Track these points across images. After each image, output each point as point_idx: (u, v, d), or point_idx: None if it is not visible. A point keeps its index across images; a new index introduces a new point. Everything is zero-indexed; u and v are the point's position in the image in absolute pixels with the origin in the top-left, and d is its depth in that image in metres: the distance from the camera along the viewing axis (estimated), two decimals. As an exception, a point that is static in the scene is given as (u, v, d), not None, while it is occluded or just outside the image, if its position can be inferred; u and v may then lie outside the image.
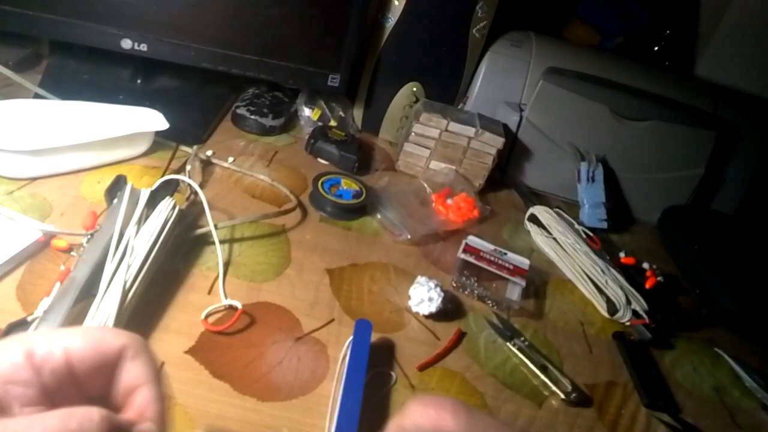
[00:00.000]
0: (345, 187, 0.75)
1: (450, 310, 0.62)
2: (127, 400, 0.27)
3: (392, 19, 0.89)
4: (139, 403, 0.26)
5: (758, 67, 1.14)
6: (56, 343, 0.25)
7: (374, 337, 0.55)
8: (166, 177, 0.58)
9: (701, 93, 0.97)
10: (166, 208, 0.54)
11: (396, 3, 0.88)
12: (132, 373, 0.26)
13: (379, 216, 0.75)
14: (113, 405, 0.27)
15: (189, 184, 0.61)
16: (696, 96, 0.95)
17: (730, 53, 1.14)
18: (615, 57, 1.04)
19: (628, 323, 0.68)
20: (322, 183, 0.74)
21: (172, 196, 0.57)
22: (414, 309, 0.60)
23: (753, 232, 0.90)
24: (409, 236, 0.72)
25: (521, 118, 0.91)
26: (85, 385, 0.26)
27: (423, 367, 0.54)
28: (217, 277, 0.56)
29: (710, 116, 0.93)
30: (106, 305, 0.44)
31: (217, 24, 0.79)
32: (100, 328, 0.26)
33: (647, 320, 0.67)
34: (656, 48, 1.15)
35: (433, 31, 0.90)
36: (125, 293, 0.46)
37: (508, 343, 0.60)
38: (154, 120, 0.70)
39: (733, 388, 0.64)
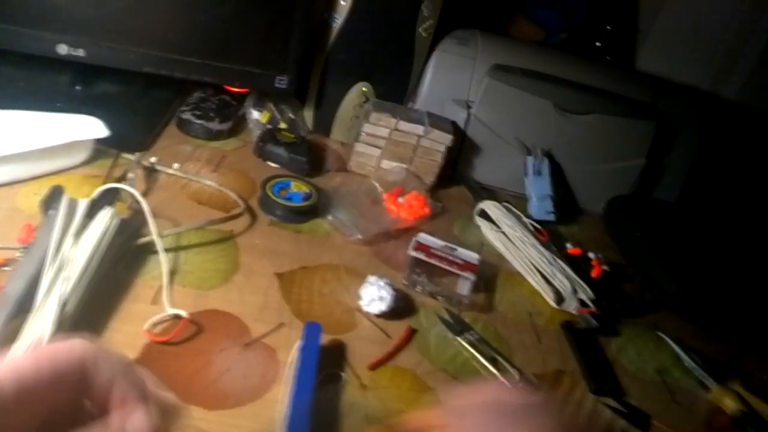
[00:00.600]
0: (295, 190, 0.75)
1: (401, 308, 0.63)
2: (107, 400, 0.27)
3: (339, 19, 0.89)
4: (117, 397, 0.27)
5: (695, 59, 1.18)
6: (4, 374, 0.25)
7: (325, 339, 0.55)
8: (106, 186, 0.57)
9: (641, 85, 1.01)
10: (104, 217, 0.53)
11: (342, 2, 0.88)
12: (100, 376, 0.27)
13: (330, 217, 0.75)
14: (96, 410, 0.28)
15: (131, 193, 0.60)
16: (636, 88, 0.99)
17: (668, 46, 1.19)
18: (558, 53, 1.07)
19: (575, 312, 0.70)
20: (271, 186, 0.73)
21: (112, 205, 0.56)
22: (365, 309, 0.60)
23: (693, 219, 0.94)
24: (360, 236, 0.72)
25: (469, 115, 0.93)
26: (52, 402, 0.27)
27: (374, 366, 0.55)
28: (162, 286, 0.55)
29: (649, 108, 0.97)
30: (41, 320, 0.43)
31: (157, 26, 0.77)
32: (48, 348, 0.27)
33: (593, 308, 0.70)
34: (598, 43, 1.18)
35: (380, 30, 0.91)
36: (62, 307, 0.44)
37: (458, 338, 0.61)
38: (93, 127, 0.68)
39: (674, 369, 0.67)
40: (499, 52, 0.97)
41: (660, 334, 0.71)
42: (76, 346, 0.27)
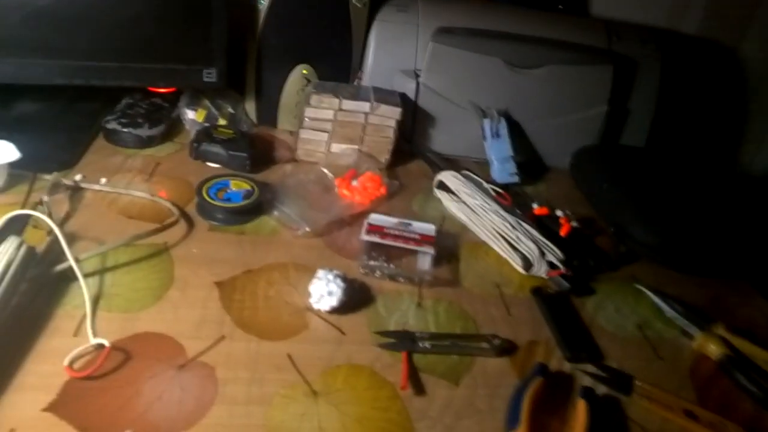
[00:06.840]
0: (234, 189, 0.70)
1: (356, 299, 0.58)
2: None
3: (265, 1, 0.83)
4: None
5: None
6: None
7: (270, 346, 0.50)
8: (10, 214, 0.51)
9: (594, 30, 0.95)
10: (8, 249, 0.48)
11: (265, -17, 0.83)
12: None
13: (275, 213, 0.70)
14: None
15: (42, 219, 0.55)
16: (589, 34, 0.94)
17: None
18: (505, 8, 1.01)
19: (546, 276, 0.66)
20: (208, 189, 0.68)
21: (19, 234, 0.51)
22: (315, 306, 0.56)
23: (662, 162, 0.90)
24: (308, 229, 0.67)
25: (418, 84, 0.88)
26: None
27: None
28: (85, 315, 0.50)
29: (605, 52, 0.92)
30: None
31: (62, 34, 0.71)
32: None
33: (563, 269, 0.65)
34: (547, -8, 1.13)
35: (311, 6, 0.85)
36: (-43, 357, 0.40)
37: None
38: (3, 151, 0.62)
39: (655, 321, 0.63)
40: (442, 14, 0.91)
41: (638, 285, 0.67)
42: None
